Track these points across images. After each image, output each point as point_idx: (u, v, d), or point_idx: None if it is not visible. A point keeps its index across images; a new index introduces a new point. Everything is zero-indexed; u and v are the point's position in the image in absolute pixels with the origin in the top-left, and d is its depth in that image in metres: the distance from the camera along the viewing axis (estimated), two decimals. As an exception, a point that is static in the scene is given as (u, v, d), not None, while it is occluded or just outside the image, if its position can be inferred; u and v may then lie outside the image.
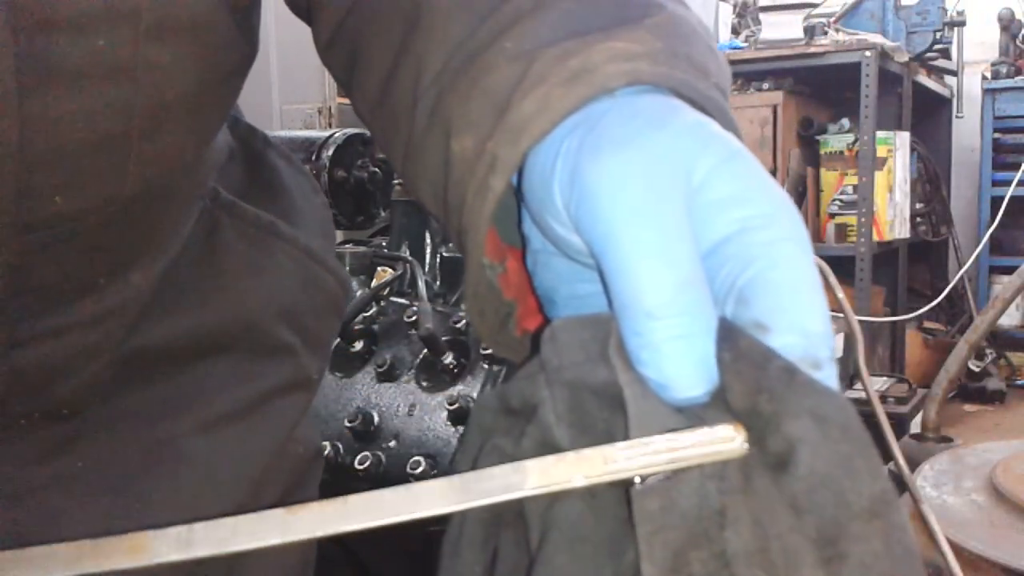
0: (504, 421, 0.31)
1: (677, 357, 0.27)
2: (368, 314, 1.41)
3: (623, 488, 0.27)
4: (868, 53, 3.19)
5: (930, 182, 4.10)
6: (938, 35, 3.66)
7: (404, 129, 0.39)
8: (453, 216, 0.36)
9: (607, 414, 0.28)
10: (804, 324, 0.28)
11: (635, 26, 0.34)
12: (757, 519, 0.25)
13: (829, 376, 0.28)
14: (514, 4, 0.35)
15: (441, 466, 1.23)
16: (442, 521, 0.29)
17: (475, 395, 1.25)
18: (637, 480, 0.26)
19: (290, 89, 3.85)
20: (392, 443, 1.29)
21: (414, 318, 1.29)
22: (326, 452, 1.30)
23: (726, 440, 0.26)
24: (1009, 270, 3.35)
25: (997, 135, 4.03)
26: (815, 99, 3.64)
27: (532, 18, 0.35)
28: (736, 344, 0.27)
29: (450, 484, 0.27)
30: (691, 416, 0.27)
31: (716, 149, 0.30)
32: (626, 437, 0.27)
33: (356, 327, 1.39)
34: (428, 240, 1.54)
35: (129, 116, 0.36)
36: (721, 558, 0.25)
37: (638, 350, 0.28)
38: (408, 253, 1.51)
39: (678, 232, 0.28)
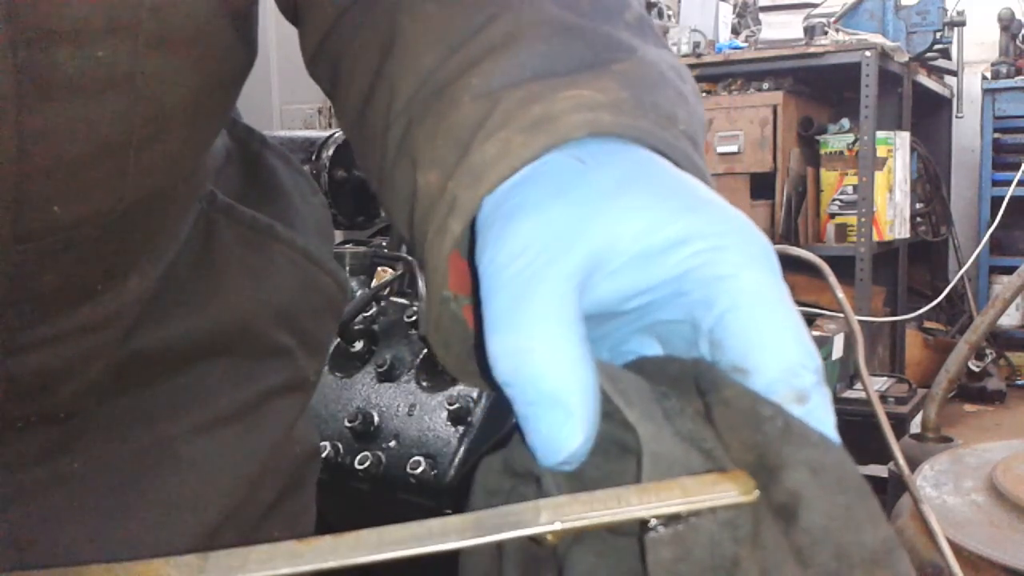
0: (509, 482, 0.32)
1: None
2: (368, 314, 1.41)
3: (637, 536, 0.27)
4: (868, 53, 3.19)
5: (930, 182, 4.10)
6: (938, 35, 3.66)
7: (378, 154, 0.39)
8: (419, 247, 0.36)
9: (608, 468, 0.28)
10: (781, 358, 0.27)
11: (602, 72, 0.34)
12: (765, 570, 0.25)
13: (819, 405, 0.27)
14: (486, 37, 0.35)
15: (441, 466, 1.23)
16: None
17: (475, 395, 1.25)
18: (653, 522, 0.26)
19: (290, 89, 3.85)
20: (392, 443, 1.29)
21: (414, 318, 1.29)
22: (326, 452, 1.30)
23: (738, 485, 0.26)
24: (1009, 270, 3.35)
25: (997, 135, 4.03)
26: (815, 99, 3.64)
27: (501, 55, 0.35)
28: (722, 395, 0.27)
29: (462, 520, 0.27)
30: (705, 455, 0.27)
31: (645, 196, 0.30)
32: (639, 477, 0.27)
33: (356, 327, 1.39)
34: (428, 240, 1.54)
35: (128, 125, 0.36)
36: None
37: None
38: (408, 253, 1.51)
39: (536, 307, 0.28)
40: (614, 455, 0.29)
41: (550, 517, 0.26)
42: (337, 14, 0.42)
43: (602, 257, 0.29)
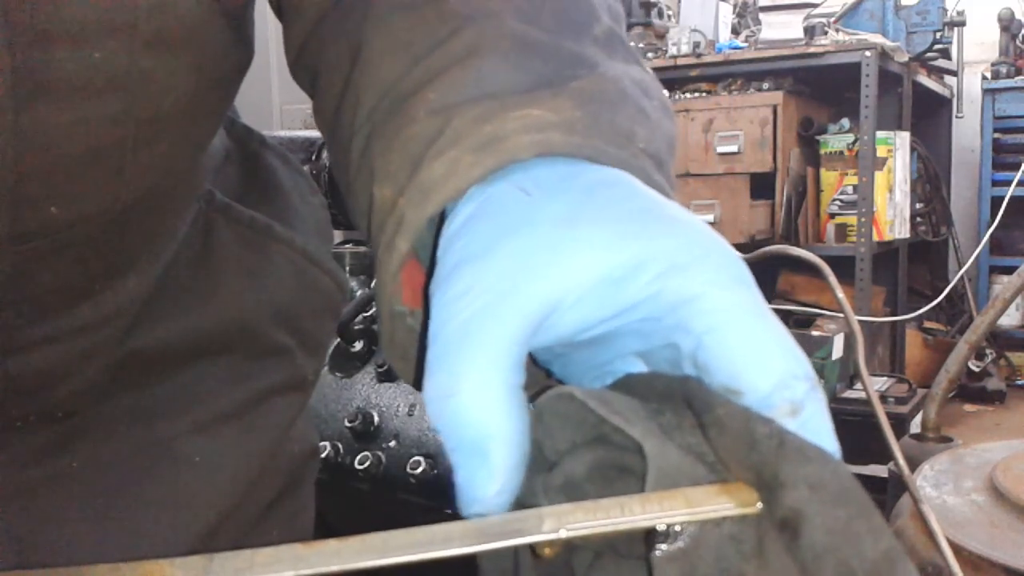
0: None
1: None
2: (368, 314, 1.41)
3: (644, 557, 0.27)
4: (868, 53, 3.19)
5: (930, 182, 4.10)
6: (938, 35, 3.66)
7: (345, 162, 0.39)
8: (374, 260, 0.36)
9: (609, 494, 0.28)
10: (769, 373, 0.27)
11: (559, 90, 0.34)
12: None
13: (814, 413, 0.27)
14: (447, 51, 0.35)
15: (441, 466, 1.23)
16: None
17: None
18: (660, 527, 0.26)
19: (290, 89, 3.84)
20: (392, 443, 1.29)
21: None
22: (326, 452, 1.30)
23: (741, 496, 0.26)
24: (1009, 270, 3.36)
25: (997, 135, 4.03)
26: (815, 99, 3.64)
27: (460, 70, 0.35)
28: (715, 415, 0.27)
29: (465, 527, 0.27)
30: (709, 468, 0.27)
31: (594, 225, 0.29)
32: (643, 489, 0.27)
33: (356, 327, 1.39)
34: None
35: (125, 126, 0.36)
36: None
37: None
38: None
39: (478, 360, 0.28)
40: (614, 479, 0.29)
41: (553, 525, 0.26)
42: (316, 20, 0.42)
43: (556, 297, 0.29)
